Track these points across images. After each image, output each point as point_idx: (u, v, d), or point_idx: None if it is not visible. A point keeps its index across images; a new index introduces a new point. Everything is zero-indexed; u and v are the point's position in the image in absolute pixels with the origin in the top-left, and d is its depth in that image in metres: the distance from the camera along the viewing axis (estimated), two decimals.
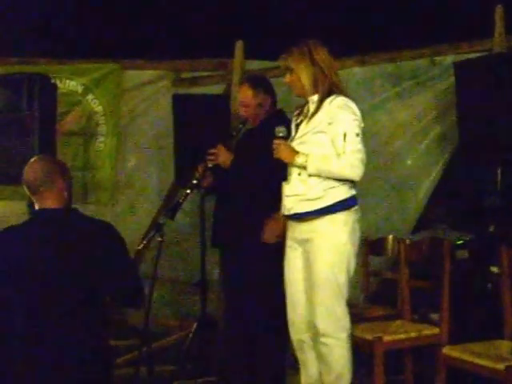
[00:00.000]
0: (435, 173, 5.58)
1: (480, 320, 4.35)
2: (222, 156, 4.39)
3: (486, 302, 4.42)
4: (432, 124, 5.61)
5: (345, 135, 3.59)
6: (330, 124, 3.64)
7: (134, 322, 5.46)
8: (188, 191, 4.42)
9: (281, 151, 3.72)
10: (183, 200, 4.42)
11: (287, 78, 3.81)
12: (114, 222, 5.96)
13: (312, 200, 3.66)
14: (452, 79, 5.20)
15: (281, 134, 3.76)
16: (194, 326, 4.82)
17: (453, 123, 5.26)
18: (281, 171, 3.81)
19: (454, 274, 4.42)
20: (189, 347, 4.80)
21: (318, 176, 3.62)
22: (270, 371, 4.40)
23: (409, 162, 5.66)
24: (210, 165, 4.42)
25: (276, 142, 3.75)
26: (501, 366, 3.13)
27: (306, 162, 3.62)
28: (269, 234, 4.22)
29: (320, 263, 3.66)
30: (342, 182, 3.65)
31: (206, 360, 4.98)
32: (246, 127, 4.57)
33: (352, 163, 3.57)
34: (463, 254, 4.85)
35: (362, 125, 3.68)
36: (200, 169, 4.46)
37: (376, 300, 5.05)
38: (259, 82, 4.58)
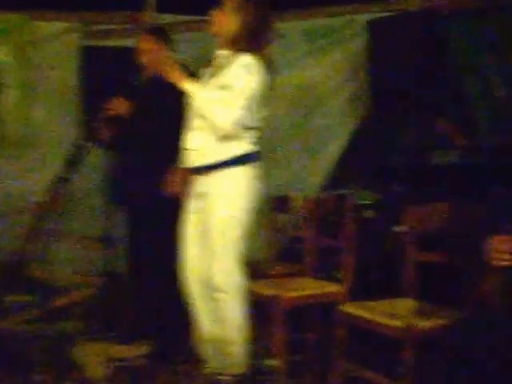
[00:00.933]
0: (347, 132, 5.53)
1: (383, 279, 4.29)
2: (120, 106, 4.26)
3: (389, 261, 4.36)
4: (345, 83, 5.56)
5: (235, 89, 3.46)
6: (230, 80, 3.50)
7: (38, 277, 5.28)
8: (89, 145, 4.25)
9: (173, 70, 3.58)
10: (85, 154, 4.26)
11: (215, 13, 3.61)
12: (22, 176, 5.96)
13: (210, 153, 3.56)
14: (366, 39, 5.12)
15: None
16: (99, 281, 4.75)
17: (366, 83, 5.19)
18: (180, 124, 3.69)
19: (361, 234, 4.36)
20: (93, 303, 4.67)
21: (200, 112, 3.52)
22: (172, 326, 4.31)
23: (319, 121, 5.57)
24: (107, 116, 4.29)
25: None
26: (399, 323, 3.04)
27: (193, 92, 3.51)
28: (168, 187, 4.10)
29: (215, 217, 3.56)
30: (242, 137, 3.55)
31: (110, 317, 4.86)
32: (147, 77, 4.42)
33: (227, 115, 3.45)
34: (370, 213, 4.79)
35: (261, 88, 3.53)
36: (100, 120, 4.31)
37: (283, 258, 4.96)
38: (160, 31, 4.57)
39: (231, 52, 3.59)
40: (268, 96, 3.61)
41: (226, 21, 3.58)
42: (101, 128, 4.31)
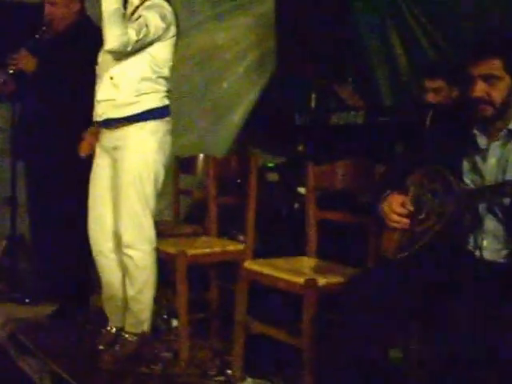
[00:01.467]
0: (251, 97, 5.52)
1: (286, 240, 4.33)
2: (25, 61, 4.11)
3: (292, 222, 4.41)
4: (250, 48, 5.54)
5: (142, 19, 3.36)
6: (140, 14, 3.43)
7: None
8: None
9: None
10: None
11: None
12: None
13: (123, 106, 3.46)
14: (271, 3, 5.11)
15: None
16: (4, 243, 4.70)
17: (271, 48, 5.19)
18: (89, 77, 3.59)
19: (264, 197, 4.38)
20: None
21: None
22: (75, 285, 4.27)
23: (225, 85, 5.55)
24: (11, 71, 4.12)
25: None
26: (300, 280, 3.06)
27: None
28: (83, 150, 3.91)
29: (126, 172, 3.48)
30: (155, 90, 3.49)
31: (15, 279, 4.81)
32: (52, 30, 4.27)
33: (120, 35, 3.26)
34: (274, 176, 4.82)
35: (167, 29, 3.46)
36: (4, 74, 4.16)
37: (187, 219, 4.96)
38: None
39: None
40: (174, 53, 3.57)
41: None
42: (5, 82, 4.15)
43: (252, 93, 5.54)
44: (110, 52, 3.36)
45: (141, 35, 3.32)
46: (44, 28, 4.18)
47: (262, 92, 5.49)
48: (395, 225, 2.72)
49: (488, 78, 2.54)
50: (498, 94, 2.55)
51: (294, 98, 5.20)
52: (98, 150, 3.68)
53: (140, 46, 3.38)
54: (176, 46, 3.57)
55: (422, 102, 4.03)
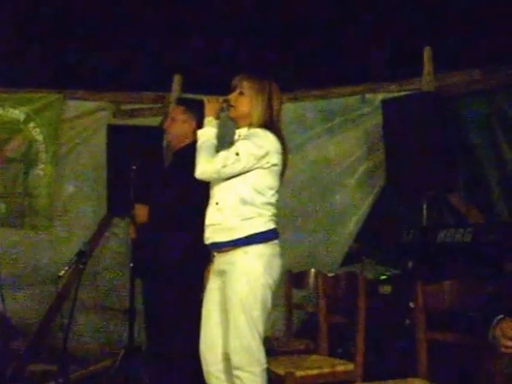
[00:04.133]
0: (363, 208, 5.47)
1: (397, 356, 4.15)
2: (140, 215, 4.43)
3: (403, 338, 4.22)
4: (361, 160, 5.52)
5: (234, 148, 3.43)
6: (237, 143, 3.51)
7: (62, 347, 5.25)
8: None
9: (211, 102, 3.57)
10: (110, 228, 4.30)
11: (233, 97, 3.57)
12: (50, 248, 5.98)
13: (228, 230, 3.45)
14: (380, 117, 5.09)
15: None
16: (121, 353, 4.62)
17: (381, 159, 5.13)
18: (201, 201, 3.62)
19: (377, 309, 4.24)
20: (114, 375, 4.60)
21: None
22: None
23: (337, 198, 5.51)
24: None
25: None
26: None
27: (206, 131, 3.50)
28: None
29: (234, 296, 3.43)
30: (259, 214, 3.46)
31: None
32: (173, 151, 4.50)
33: (209, 165, 3.41)
34: (386, 289, 4.67)
35: (263, 157, 3.45)
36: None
37: (299, 333, 4.85)
38: (190, 103, 4.53)
39: (251, 129, 3.56)
40: (283, 173, 3.57)
41: (245, 103, 3.56)
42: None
43: (364, 203, 5.46)
44: (201, 178, 3.47)
45: (228, 162, 3.38)
46: (162, 151, 4.34)
47: (373, 203, 5.40)
48: (508, 350, 2.56)
49: None
50: None
51: (402, 213, 5.10)
52: (210, 273, 3.67)
53: (232, 173, 3.42)
54: (282, 172, 3.57)
55: None
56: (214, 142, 3.49)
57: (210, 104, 3.55)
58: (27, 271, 5.91)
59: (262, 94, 3.56)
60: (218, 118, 3.55)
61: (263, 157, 3.45)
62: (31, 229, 6.09)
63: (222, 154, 3.41)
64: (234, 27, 5.96)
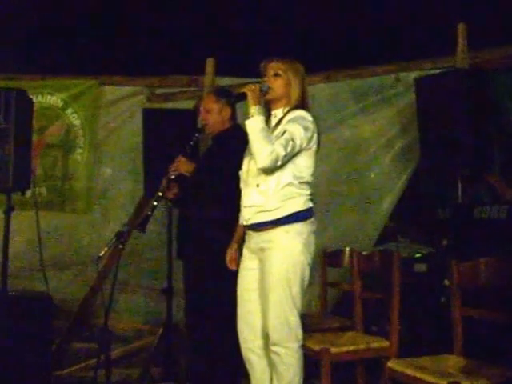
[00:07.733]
0: (398, 187, 5.41)
1: (432, 334, 4.10)
2: (183, 166, 4.28)
3: (439, 315, 4.17)
4: (395, 139, 5.47)
5: (284, 132, 3.42)
6: (285, 126, 3.48)
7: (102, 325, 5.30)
8: (155, 203, 4.36)
9: (253, 91, 3.48)
10: (151, 212, 4.34)
11: (271, 79, 3.57)
12: (89, 230, 6.03)
13: (269, 211, 3.47)
14: (413, 96, 5.01)
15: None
16: (160, 331, 4.67)
17: (416, 138, 5.07)
18: (237, 182, 3.64)
19: (412, 287, 4.20)
20: (154, 352, 4.69)
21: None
22: (227, 378, 4.21)
23: (372, 176, 5.46)
24: (172, 176, 4.30)
25: None
26: (443, 382, 2.86)
27: (254, 120, 3.40)
28: (232, 264, 3.84)
29: (274, 273, 3.45)
30: (299, 194, 3.49)
31: (169, 365, 4.78)
32: (209, 136, 4.46)
33: (268, 153, 3.33)
34: (421, 267, 4.62)
35: (310, 139, 3.49)
36: (164, 181, 4.34)
37: (335, 311, 4.82)
38: (223, 92, 4.49)
39: (283, 113, 3.58)
40: (318, 153, 3.59)
41: (283, 84, 3.58)
42: (167, 186, 4.33)
43: (399, 182, 5.40)
44: (262, 169, 3.42)
45: (288, 149, 3.37)
46: (197, 135, 4.32)
47: (407, 181, 5.34)
48: None
49: None
50: None
51: (437, 192, 5.03)
52: (245, 252, 3.68)
53: (288, 159, 3.43)
54: (317, 152, 3.58)
55: None
56: (266, 127, 3.45)
57: (252, 93, 3.49)
58: (69, 253, 5.96)
59: (298, 75, 3.61)
60: (261, 103, 3.51)
61: (311, 139, 3.49)
62: (71, 212, 6.14)
63: (282, 141, 3.38)
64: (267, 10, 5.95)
